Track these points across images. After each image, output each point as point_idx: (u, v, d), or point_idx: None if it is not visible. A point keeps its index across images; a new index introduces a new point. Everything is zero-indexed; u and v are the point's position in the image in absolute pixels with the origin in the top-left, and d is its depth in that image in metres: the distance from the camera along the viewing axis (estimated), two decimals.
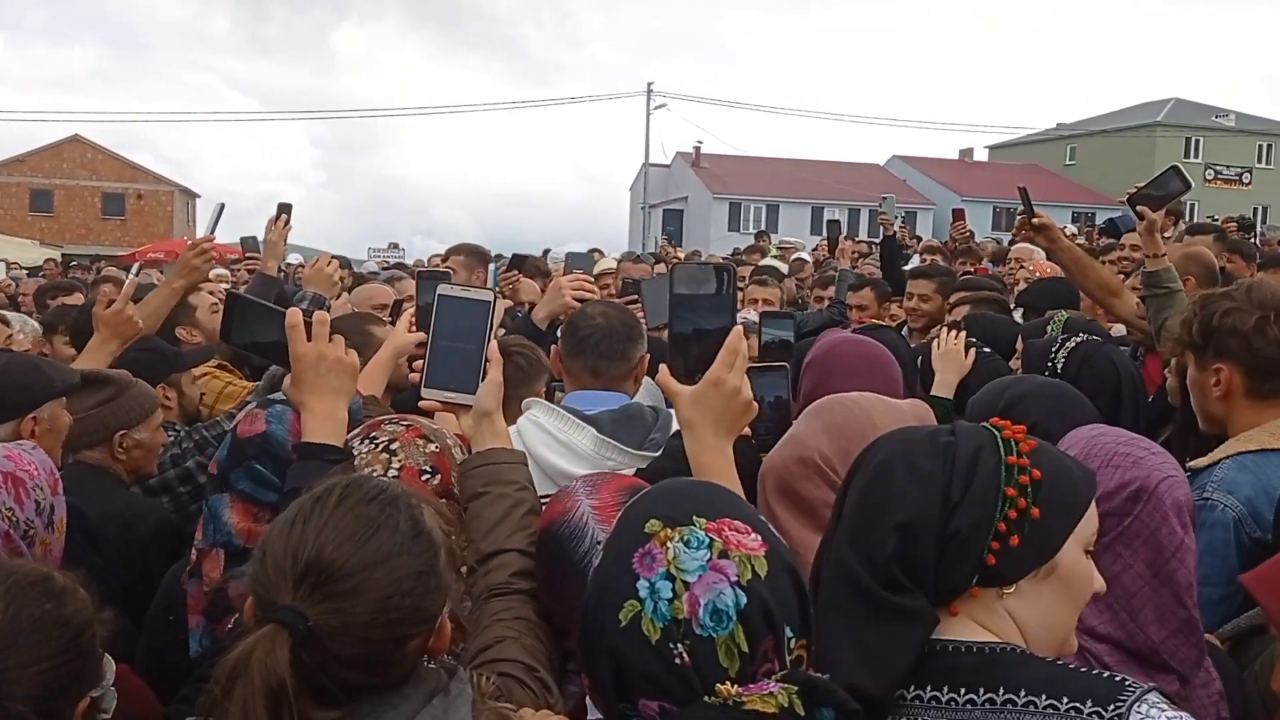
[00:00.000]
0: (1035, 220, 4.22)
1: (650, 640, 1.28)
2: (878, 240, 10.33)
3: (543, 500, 1.93)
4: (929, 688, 1.36)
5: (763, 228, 34.86)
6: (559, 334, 3.08)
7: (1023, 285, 5.85)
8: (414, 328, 2.77)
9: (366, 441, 1.98)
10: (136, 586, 2.74)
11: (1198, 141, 51.24)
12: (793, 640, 1.32)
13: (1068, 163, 55.54)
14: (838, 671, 1.32)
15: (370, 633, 1.29)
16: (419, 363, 2.12)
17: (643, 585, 1.30)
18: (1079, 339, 3.23)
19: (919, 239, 15.33)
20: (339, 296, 4.93)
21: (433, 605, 1.36)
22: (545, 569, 1.80)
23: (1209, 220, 10.04)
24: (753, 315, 4.61)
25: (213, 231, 4.41)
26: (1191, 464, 2.50)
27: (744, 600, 1.28)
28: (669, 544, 1.32)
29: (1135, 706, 1.25)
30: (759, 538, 1.35)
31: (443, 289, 2.08)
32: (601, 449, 2.52)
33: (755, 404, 1.88)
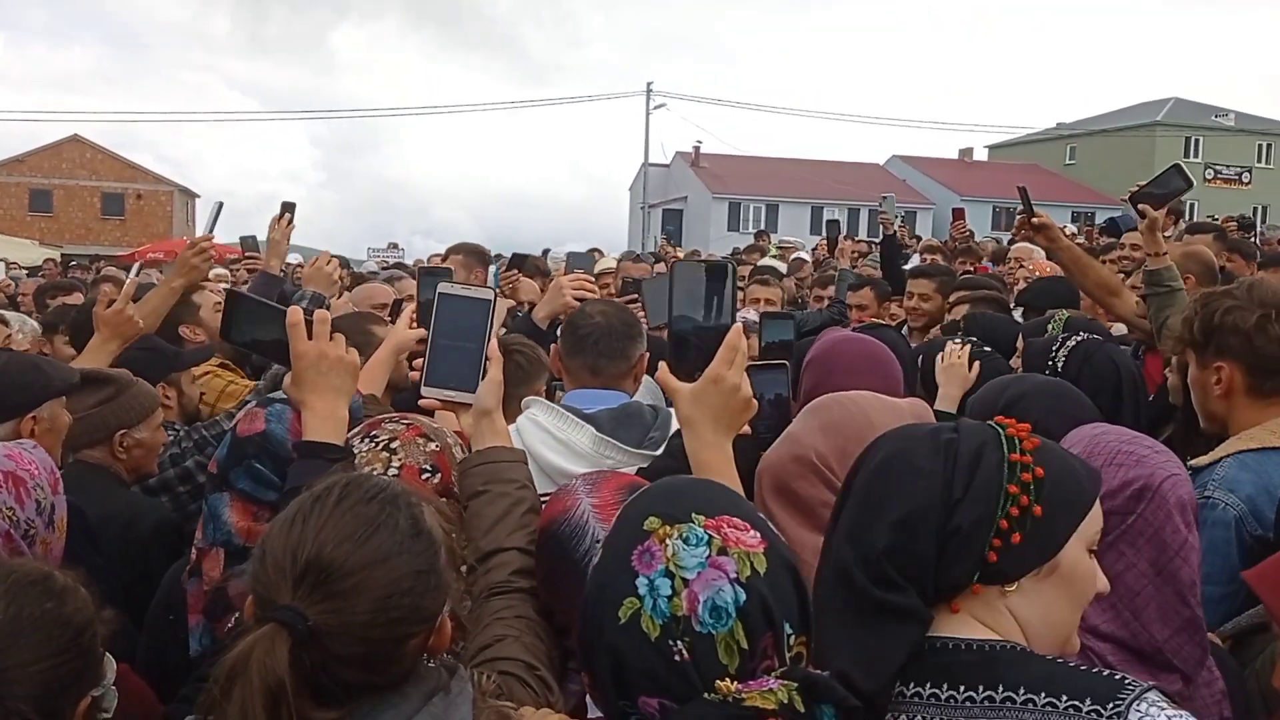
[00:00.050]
0: (1035, 220, 4.22)
1: (650, 637, 1.28)
2: (878, 240, 10.33)
3: (542, 499, 1.93)
4: (928, 685, 1.35)
5: (762, 227, 34.80)
6: (559, 333, 3.08)
7: (1022, 284, 5.85)
8: (415, 324, 2.77)
9: (367, 440, 1.98)
10: (137, 586, 2.74)
11: (1197, 141, 51.24)
12: (792, 637, 1.32)
13: (1067, 162, 55.54)
14: (832, 668, 1.32)
15: (370, 632, 1.28)
16: (419, 361, 2.12)
17: (642, 582, 1.30)
18: (1080, 338, 3.23)
19: (918, 238, 15.33)
20: (340, 295, 4.93)
21: (433, 604, 1.35)
22: (546, 567, 1.80)
23: (1209, 220, 10.03)
24: (752, 315, 4.62)
25: (211, 231, 4.41)
26: (1192, 462, 2.50)
27: (743, 597, 1.28)
28: (668, 541, 1.32)
29: (1134, 705, 1.25)
30: (758, 535, 1.35)
31: (443, 287, 2.08)
32: (600, 447, 2.52)
33: (755, 401, 1.88)
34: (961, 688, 1.33)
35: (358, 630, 1.27)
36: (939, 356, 3.46)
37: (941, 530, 1.36)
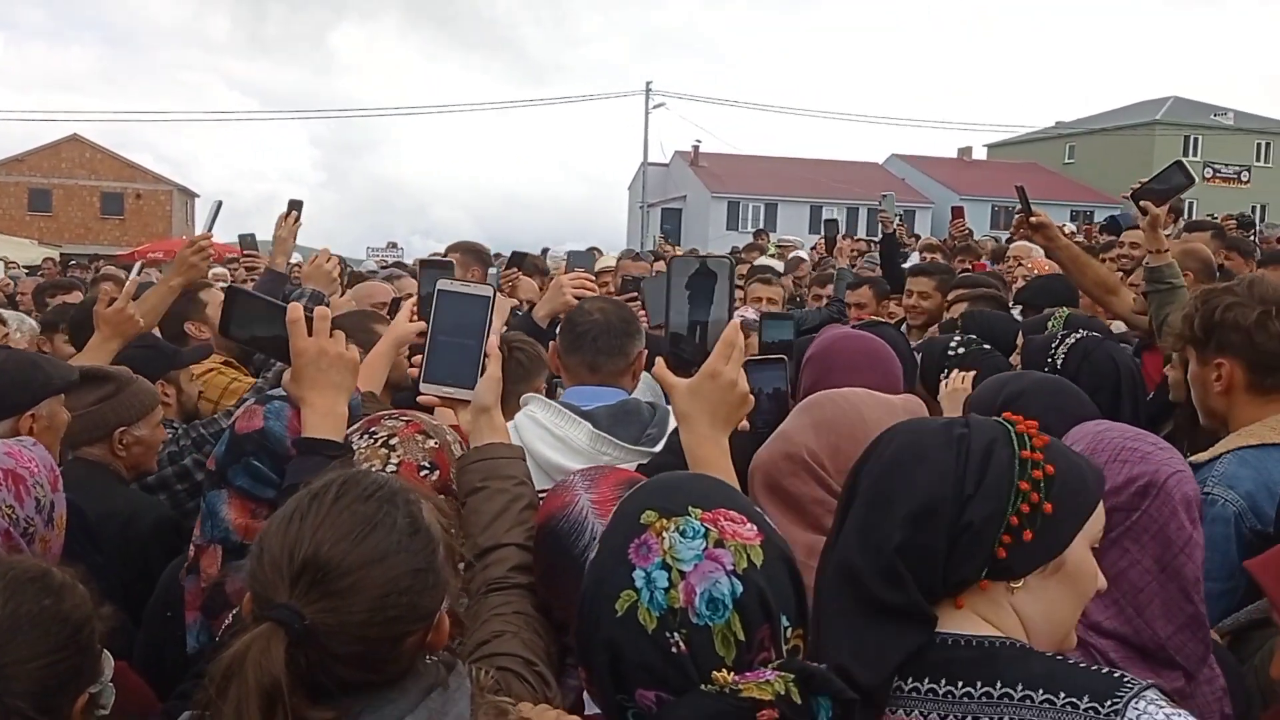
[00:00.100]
0: (1033, 219, 4.22)
1: (647, 630, 1.28)
2: (877, 239, 10.32)
3: (540, 495, 1.93)
4: (927, 680, 1.35)
5: (761, 227, 34.85)
6: (558, 331, 3.08)
7: (1021, 283, 5.85)
8: (415, 318, 2.76)
9: (366, 436, 1.98)
10: (136, 583, 2.73)
11: (1196, 140, 51.22)
12: (789, 630, 1.32)
13: (1066, 161, 55.53)
14: (832, 662, 1.32)
15: (367, 631, 1.28)
16: (419, 358, 2.12)
17: (639, 575, 1.30)
18: (1079, 335, 3.22)
19: (917, 237, 15.33)
20: (343, 294, 4.93)
21: (430, 602, 1.35)
22: (544, 564, 1.80)
23: (1208, 218, 10.03)
24: (751, 314, 4.62)
25: (210, 229, 4.41)
26: (1192, 459, 2.49)
27: (740, 589, 1.28)
28: (665, 534, 1.32)
29: (1132, 703, 1.24)
30: (755, 528, 1.35)
31: (442, 284, 2.08)
32: (597, 444, 2.52)
33: (752, 396, 1.88)
34: (960, 683, 1.33)
35: (355, 629, 1.27)
36: (941, 383, 3.45)
37: (953, 525, 1.36)
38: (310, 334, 1.99)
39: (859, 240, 13.69)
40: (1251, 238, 10.36)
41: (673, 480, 1.46)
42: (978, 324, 4.14)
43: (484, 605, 1.76)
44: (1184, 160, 4.38)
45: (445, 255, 5.96)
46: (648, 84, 47.27)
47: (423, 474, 1.93)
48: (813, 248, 12.98)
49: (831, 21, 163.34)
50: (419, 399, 2.08)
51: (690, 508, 1.34)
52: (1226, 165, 51.39)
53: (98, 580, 1.72)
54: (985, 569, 1.37)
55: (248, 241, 6.12)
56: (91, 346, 3.59)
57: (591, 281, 3.96)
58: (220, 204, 4.64)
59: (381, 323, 3.49)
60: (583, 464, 2.34)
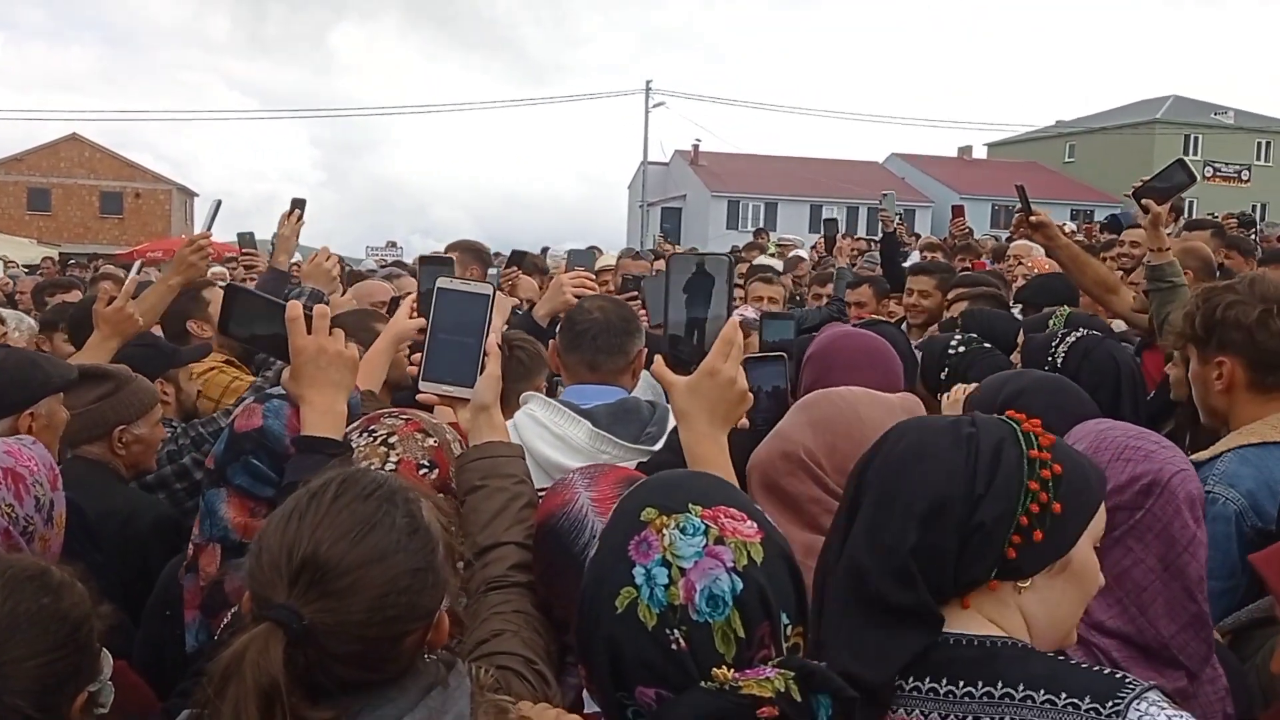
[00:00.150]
0: (1033, 218, 4.22)
1: (646, 626, 1.28)
2: (877, 238, 10.33)
3: (539, 493, 1.93)
4: (928, 679, 1.35)
5: (761, 226, 34.84)
6: (557, 329, 3.08)
7: (1021, 282, 5.85)
8: (414, 314, 2.76)
9: (365, 435, 1.98)
10: (135, 582, 2.73)
11: (1196, 139, 51.22)
12: (789, 627, 1.32)
13: (1066, 160, 55.54)
14: (834, 660, 1.32)
15: (366, 630, 1.27)
16: (418, 356, 2.11)
17: (639, 572, 1.30)
18: (1079, 333, 3.22)
19: (917, 236, 15.34)
20: (344, 293, 4.93)
21: (430, 601, 1.34)
22: (544, 562, 1.79)
23: (1208, 217, 10.02)
24: (751, 313, 4.62)
25: (210, 229, 4.41)
26: (1193, 457, 2.49)
27: (740, 586, 1.28)
28: (665, 531, 1.31)
29: (1134, 704, 1.24)
30: (755, 525, 1.35)
31: (442, 282, 2.07)
32: (596, 442, 2.51)
33: (751, 394, 1.88)
34: (961, 683, 1.33)
35: (354, 629, 1.26)
36: (942, 397, 3.45)
37: (964, 526, 1.35)
38: (309, 332, 1.99)
39: (859, 239, 13.71)
40: (1252, 237, 10.36)
41: (673, 478, 1.46)
42: (978, 323, 4.14)
43: (483, 604, 1.75)
44: (1185, 159, 4.37)
45: (445, 254, 5.96)
46: (647, 83, 47.33)
47: (422, 472, 1.93)
48: (813, 247, 12.97)
49: (831, 21, 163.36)
50: (418, 397, 2.07)
51: (690, 505, 1.34)
52: (1227, 164, 51.39)
53: (97, 579, 1.72)
54: (995, 569, 1.37)
55: (247, 240, 6.12)
56: (91, 345, 3.59)
57: (591, 280, 3.96)
58: (219, 203, 4.63)
59: (381, 321, 3.48)
60: (582, 462, 2.33)
